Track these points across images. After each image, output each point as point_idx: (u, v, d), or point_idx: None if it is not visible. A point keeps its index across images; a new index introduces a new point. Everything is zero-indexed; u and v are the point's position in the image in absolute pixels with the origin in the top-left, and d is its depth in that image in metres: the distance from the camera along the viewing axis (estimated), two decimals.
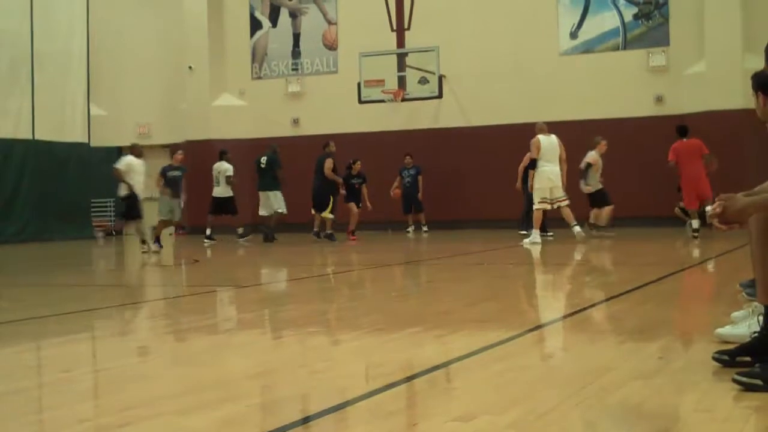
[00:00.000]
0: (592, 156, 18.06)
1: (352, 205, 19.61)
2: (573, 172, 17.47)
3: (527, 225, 17.27)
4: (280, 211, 19.60)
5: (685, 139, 17.43)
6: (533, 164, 16.41)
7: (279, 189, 19.68)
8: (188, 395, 4.22)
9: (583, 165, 17.97)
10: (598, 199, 18.08)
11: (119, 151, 26.92)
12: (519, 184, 18.30)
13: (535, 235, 16.02)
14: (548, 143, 16.21)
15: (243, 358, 5.35)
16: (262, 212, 19.76)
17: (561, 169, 16.27)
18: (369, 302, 8.66)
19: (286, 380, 4.62)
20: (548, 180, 16.11)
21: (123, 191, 17.21)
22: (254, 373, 4.80)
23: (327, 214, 18.91)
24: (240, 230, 20.05)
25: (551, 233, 17.22)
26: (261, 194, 19.82)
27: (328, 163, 18.82)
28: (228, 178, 20.05)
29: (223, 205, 20.18)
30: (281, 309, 8.30)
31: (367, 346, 5.63)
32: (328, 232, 18.83)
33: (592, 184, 17.99)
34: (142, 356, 5.64)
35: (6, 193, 22.63)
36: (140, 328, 7.09)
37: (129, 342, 6.32)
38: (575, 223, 16.34)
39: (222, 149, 20.91)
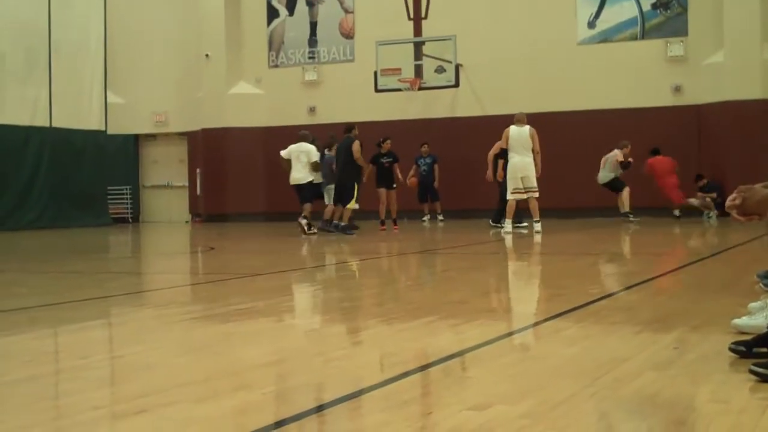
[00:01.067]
0: (617, 154, 18.77)
1: (383, 191, 18.87)
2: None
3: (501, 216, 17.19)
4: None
5: (659, 156, 19.87)
6: (503, 154, 16.35)
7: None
8: (203, 383, 4.23)
9: (610, 160, 18.62)
10: (616, 186, 18.77)
11: (136, 139, 27.09)
12: (489, 173, 18.20)
13: (508, 224, 15.98)
14: (517, 134, 16.01)
15: (257, 346, 5.35)
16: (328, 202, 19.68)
17: (534, 161, 16.02)
18: (384, 291, 8.66)
19: (300, 368, 4.62)
20: (518, 170, 15.98)
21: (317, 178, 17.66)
22: (268, 362, 4.80)
23: (353, 205, 17.23)
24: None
25: (525, 224, 17.19)
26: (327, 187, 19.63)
27: (357, 146, 17.11)
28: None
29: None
30: (296, 297, 8.30)
31: (381, 335, 5.63)
32: (343, 224, 17.19)
33: (604, 176, 18.73)
34: (157, 344, 5.65)
35: (23, 181, 22.73)
36: (155, 316, 7.10)
37: (143, 330, 6.33)
38: (538, 219, 16.04)
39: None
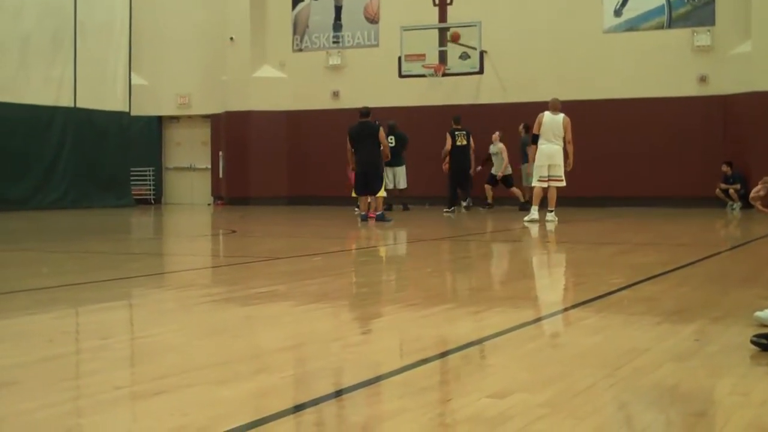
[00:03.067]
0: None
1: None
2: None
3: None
4: (401, 187, 20.45)
5: None
6: (535, 139, 15.94)
7: (404, 165, 20.58)
8: (222, 366, 4.24)
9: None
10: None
11: (159, 121, 27.17)
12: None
13: (534, 211, 15.70)
14: (551, 121, 15.74)
15: (277, 330, 5.36)
16: (389, 186, 19.87)
17: (566, 151, 15.75)
18: (404, 277, 8.66)
19: (319, 353, 4.62)
20: (547, 157, 15.75)
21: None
22: (288, 346, 4.81)
23: (383, 193, 16.93)
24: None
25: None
26: (387, 170, 19.54)
27: (383, 133, 16.89)
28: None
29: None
30: (316, 282, 8.31)
31: (401, 321, 5.63)
32: (379, 212, 16.41)
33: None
34: (177, 326, 5.67)
35: (47, 160, 22.83)
36: (175, 298, 7.13)
37: (164, 311, 6.36)
38: (553, 209, 15.72)
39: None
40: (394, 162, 20.29)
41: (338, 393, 3.69)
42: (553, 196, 15.81)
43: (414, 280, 8.21)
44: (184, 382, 3.84)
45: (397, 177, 20.52)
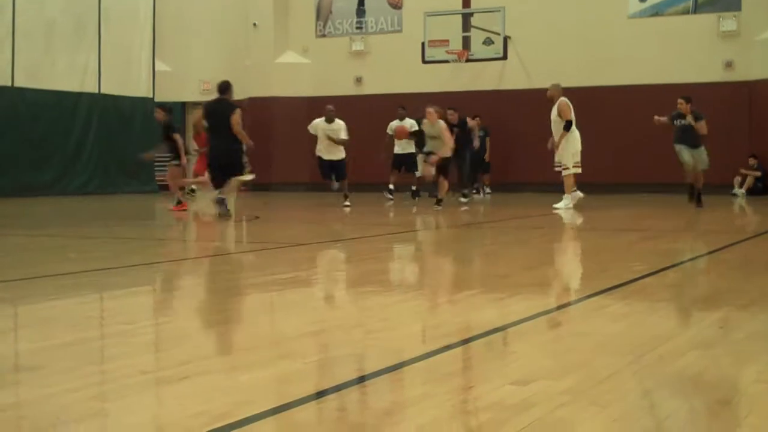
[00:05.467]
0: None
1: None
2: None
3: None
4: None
5: None
6: (569, 125, 15.77)
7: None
8: (245, 351, 4.25)
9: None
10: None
11: (183, 107, 27.21)
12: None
13: (568, 199, 15.62)
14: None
15: (299, 316, 5.36)
16: (419, 174, 19.89)
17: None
18: (428, 263, 8.65)
19: (341, 339, 4.63)
20: (580, 143, 15.75)
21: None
22: (310, 332, 4.81)
23: (247, 176, 15.37)
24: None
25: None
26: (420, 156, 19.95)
27: (238, 115, 14.44)
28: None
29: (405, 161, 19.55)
30: (339, 268, 8.32)
31: (423, 308, 5.63)
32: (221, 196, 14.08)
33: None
34: (200, 311, 5.69)
35: (72, 146, 22.95)
36: (199, 284, 7.15)
37: (188, 297, 6.38)
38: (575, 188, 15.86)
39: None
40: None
41: (361, 379, 3.70)
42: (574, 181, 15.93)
43: (437, 267, 8.21)
44: (206, 368, 3.85)
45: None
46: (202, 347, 4.35)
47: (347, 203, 16.92)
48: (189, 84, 26.39)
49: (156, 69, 25.60)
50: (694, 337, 4.50)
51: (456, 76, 23.39)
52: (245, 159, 15.09)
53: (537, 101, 22.10)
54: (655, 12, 22.38)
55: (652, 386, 3.58)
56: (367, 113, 21.43)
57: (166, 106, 17.56)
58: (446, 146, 16.12)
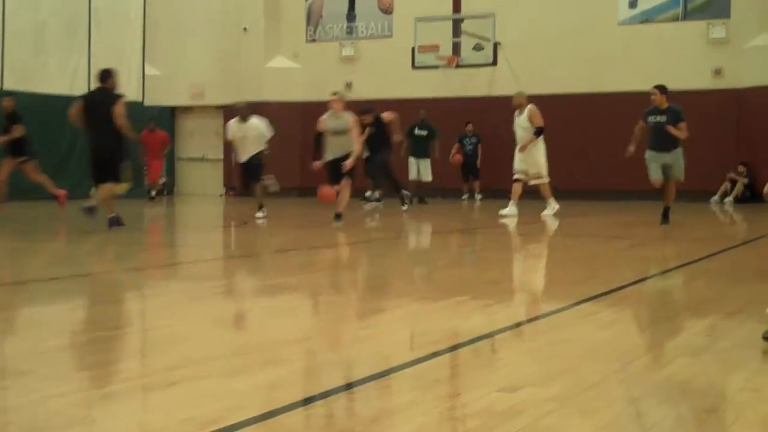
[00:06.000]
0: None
1: None
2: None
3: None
4: (425, 180, 20.40)
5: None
6: (540, 132, 15.44)
7: (429, 157, 20.56)
8: (233, 358, 4.24)
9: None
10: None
11: (172, 111, 27.17)
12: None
13: (554, 203, 15.47)
14: None
15: (286, 322, 5.36)
16: (412, 177, 20.20)
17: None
18: (416, 270, 8.65)
19: (329, 346, 4.63)
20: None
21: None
22: (298, 337, 4.81)
23: (122, 187, 13.56)
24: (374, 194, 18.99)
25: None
26: (413, 160, 20.43)
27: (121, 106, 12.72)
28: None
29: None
30: (326, 274, 8.31)
31: (412, 314, 5.63)
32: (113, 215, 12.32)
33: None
34: (188, 317, 5.68)
35: (62, 150, 22.87)
36: (187, 289, 7.14)
37: (175, 302, 6.37)
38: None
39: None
40: (420, 154, 20.51)
41: (348, 386, 3.70)
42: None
43: (426, 273, 8.21)
44: (195, 374, 3.85)
45: (421, 169, 20.49)
46: (189, 353, 4.34)
47: (260, 214, 14.91)
48: (179, 88, 26.36)
49: (146, 73, 25.57)
50: (681, 344, 4.51)
51: (446, 82, 23.39)
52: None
53: None
54: (645, 18, 22.44)
55: (639, 393, 3.59)
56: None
57: (12, 96, 16.05)
58: (356, 144, 13.23)
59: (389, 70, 23.89)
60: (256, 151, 15.24)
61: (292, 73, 25.39)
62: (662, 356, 4.18)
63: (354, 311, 5.89)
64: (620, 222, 14.94)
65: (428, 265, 8.98)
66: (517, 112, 15.67)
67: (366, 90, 23.92)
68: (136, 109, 24.79)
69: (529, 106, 15.51)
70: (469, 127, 22.10)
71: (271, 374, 3.86)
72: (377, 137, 17.12)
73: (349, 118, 13.13)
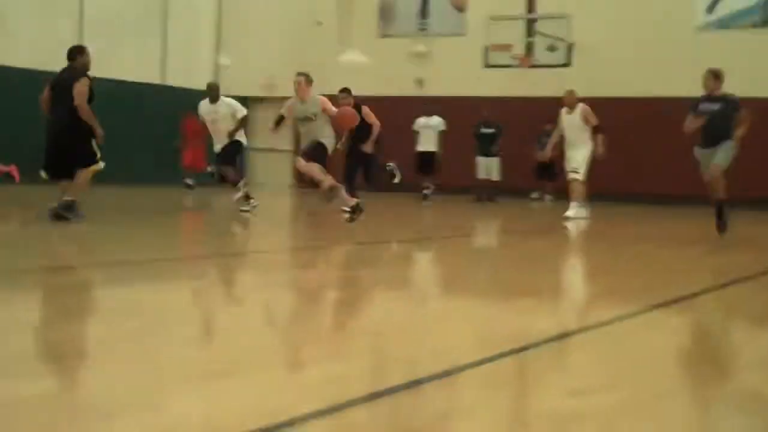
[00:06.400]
0: None
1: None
2: None
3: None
4: (494, 179, 20.29)
5: None
6: (598, 130, 15.20)
7: (497, 156, 20.41)
8: (295, 350, 4.23)
9: None
10: None
11: (244, 102, 27.33)
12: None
13: (584, 206, 15.10)
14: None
15: (353, 316, 5.34)
16: (481, 176, 20.18)
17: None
18: (486, 269, 8.58)
19: (395, 342, 4.58)
20: None
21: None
22: (364, 333, 4.79)
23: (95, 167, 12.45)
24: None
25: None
26: (481, 160, 20.30)
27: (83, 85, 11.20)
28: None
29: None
30: (394, 270, 8.29)
31: (480, 314, 5.57)
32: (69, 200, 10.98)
33: None
34: (253, 307, 5.68)
35: (136, 137, 23.17)
36: (254, 279, 7.16)
37: (242, 291, 6.38)
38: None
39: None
40: (488, 152, 20.33)
41: (414, 383, 3.65)
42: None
43: (494, 273, 8.14)
44: (258, 364, 3.84)
45: (489, 168, 20.37)
46: (251, 344, 4.33)
47: (245, 208, 13.47)
48: (250, 79, 26.53)
49: (219, 63, 25.83)
50: (755, 354, 4.40)
51: (518, 81, 23.22)
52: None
53: (599, 110, 21.88)
54: (723, 25, 22.06)
55: (711, 402, 3.50)
56: (428, 115, 21.24)
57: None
58: (330, 128, 11.65)
59: (461, 68, 23.79)
60: (230, 135, 14.00)
61: (363, 67, 25.40)
62: (735, 366, 4.09)
63: (422, 307, 5.84)
64: (696, 226, 14.68)
65: (497, 265, 8.90)
66: (565, 111, 15.47)
67: (437, 87, 23.85)
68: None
69: (581, 105, 15.36)
70: (549, 126, 21.86)
71: (334, 369, 3.83)
72: (362, 128, 14.46)
73: (320, 100, 11.62)
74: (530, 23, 23.18)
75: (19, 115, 19.03)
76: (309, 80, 11.76)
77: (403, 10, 25.34)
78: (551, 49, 22.79)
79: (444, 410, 3.27)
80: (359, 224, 11.28)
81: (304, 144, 11.85)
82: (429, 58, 24.86)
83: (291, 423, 2.94)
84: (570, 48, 22.50)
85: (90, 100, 10.53)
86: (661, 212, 17.92)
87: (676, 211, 18.68)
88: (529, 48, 23.05)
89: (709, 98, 12.03)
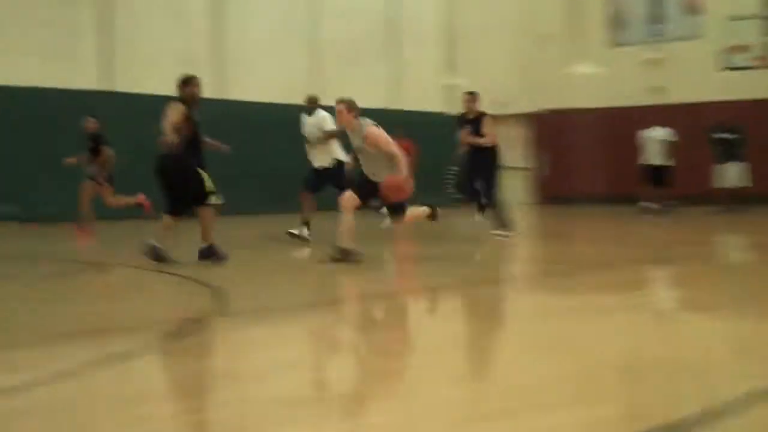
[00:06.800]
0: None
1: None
2: None
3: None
4: (742, 185, 19.55)
5: None
6: None
7: (742, 161, 19.59)
8: (548, 388, 4.04)
9: None
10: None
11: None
12: None
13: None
14: None
15: (609, 346, 5.09)
16: (722, 185, 19.56)
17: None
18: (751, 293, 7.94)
19: (660, 375, 4.28)
20: None
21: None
22: (622, 366, 4.57)
23: None
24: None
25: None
26: (725, 166, 19.61)
27: None
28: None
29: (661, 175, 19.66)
30: (651, 293, 7.97)
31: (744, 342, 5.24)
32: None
33: None
34: (508, 337, 5.60)
35: None
36: (505, 305, 7.08)
37: (496, 321, 6.32)
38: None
39: None
40: (731, 158, 19.44)
41: (685, 427, 3.41)
42: None
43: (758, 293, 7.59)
44: (510, 407, 3.74)
45: (735, 174, 19.50)
46: (504, 380, 4.25)
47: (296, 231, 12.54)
48: (482, 98, 26.59)
49: (449, 83, 26.11)
50: None
51: (753, 83, 22.21)
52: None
53: None
54: None
55: None
56: (668, 124, 20.52)
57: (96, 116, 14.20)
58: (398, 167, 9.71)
59: (698, 72, 23.00)
60: (328, 154, 12.77)
61: (595, 78, 24.97)
62: None
63: (683, 333, 5.57)
64: None
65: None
66: None
67: (675, 93, 23.13)
68: (437, 118, 25.33)
69: None
70: None
71: (591, 410, 3.63)
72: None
73: (362, 132, 9.74)
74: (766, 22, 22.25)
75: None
76: (351, 107, 9.85)
77: (635, 17, 24.79)
78: None
79: None
80: (610, 244, 10.96)
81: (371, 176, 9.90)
82: (663, 64, 24.12)
83: None
84: None
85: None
86: None
87: None
88: (766, 47, 22.16)
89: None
